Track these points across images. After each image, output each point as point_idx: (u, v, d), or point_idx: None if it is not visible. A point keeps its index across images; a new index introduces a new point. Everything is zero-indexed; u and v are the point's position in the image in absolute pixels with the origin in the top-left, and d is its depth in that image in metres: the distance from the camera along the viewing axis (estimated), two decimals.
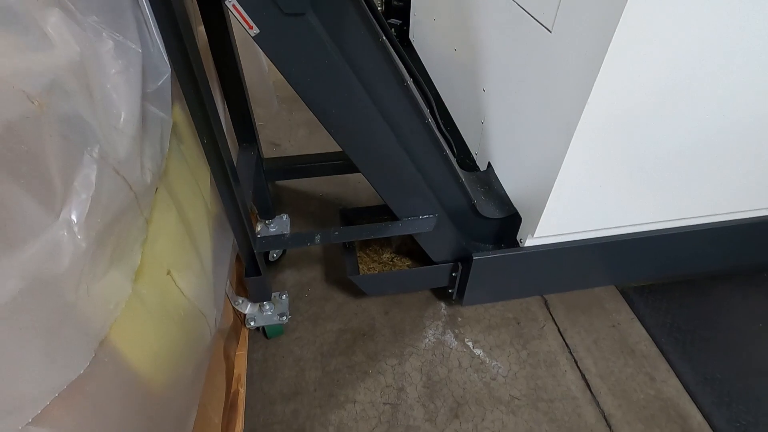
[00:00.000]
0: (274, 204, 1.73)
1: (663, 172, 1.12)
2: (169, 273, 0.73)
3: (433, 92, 1.93)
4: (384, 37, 0.89)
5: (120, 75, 0.58)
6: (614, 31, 0.81)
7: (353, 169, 1.40)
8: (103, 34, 0.59)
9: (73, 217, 0.48)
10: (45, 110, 0.44)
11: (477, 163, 1.63)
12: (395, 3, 2.59)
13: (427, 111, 1.06)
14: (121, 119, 0.56)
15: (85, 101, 0.50)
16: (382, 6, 2.70)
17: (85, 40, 0.55)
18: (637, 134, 1.01)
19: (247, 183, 1.22)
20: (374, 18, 0.88)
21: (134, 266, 0.62)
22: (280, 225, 1.65)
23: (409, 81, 0.99)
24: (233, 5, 0.77)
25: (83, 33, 0.55)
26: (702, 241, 1.36)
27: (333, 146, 1.13)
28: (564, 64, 0.98)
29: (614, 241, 1.29)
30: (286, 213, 1.73)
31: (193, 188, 0.90)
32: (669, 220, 1.28)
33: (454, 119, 1.87)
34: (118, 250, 0.57)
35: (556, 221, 1.20)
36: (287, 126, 2.42)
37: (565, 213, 1.17)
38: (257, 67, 1.43)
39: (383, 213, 1.55)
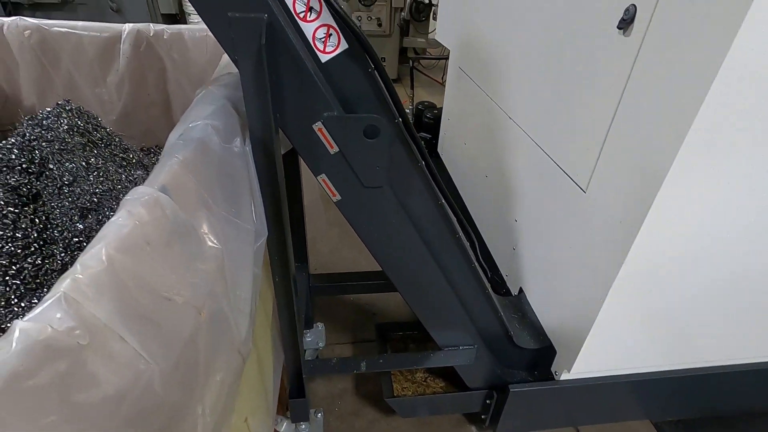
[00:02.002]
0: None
1: (702, 317, 1.18)
2: (246, 420, 0.79)
3: (459, 203, 2.08)
4: (443, 200, 1.03)
5: (242, 258, 0.70)
6: (653, 201, 0.91)
7: (394, 289, 1.49)
8: (230, 222, 0.72)
9: (206, 401, 0.55)
10: (204, 317, 0.54)
11: (507, 283, 1.71)
12: (426, 119, 2.87)
13: (472, 253, 1.17)
14: (241, 299, 0.67)
15: (224, 294, 0.61)
16: (412, 119, 2.98)
17: (222, 233, 0.67)
18: (677, 283, 1.09)
19: (301, 307, 1.31)
20: (435, 182, 1.02)
21: (229, 424, 0.68)
22: (316, 335, 1.70)
23: (460, 231, 1.11)
24: (322, 179, 0.92)
25: (220, 226, 0.67)
26: (740, 383, 1.38)
27: (360, 249, 1.23)
28: (599, 224, 1.10)
29: (651, 379, 1.31)
30: (321, 321, 1.79)
31: (264, 325, 0.99)
32: (707, 362, 1.32)
33: (483, 236, 1.99)
34: (224, 414, 0.64)
35: (592, 360, 1.24)
36: (322, 223, 2.56)
37: (602, 352, 1.22)
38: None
39: (418, 328, 1.61)
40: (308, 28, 0.79)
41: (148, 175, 1.09)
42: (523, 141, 1.52)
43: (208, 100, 0.83)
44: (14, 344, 0.34)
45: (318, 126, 0.84)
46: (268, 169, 0.82)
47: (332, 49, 0.81)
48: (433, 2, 4.36)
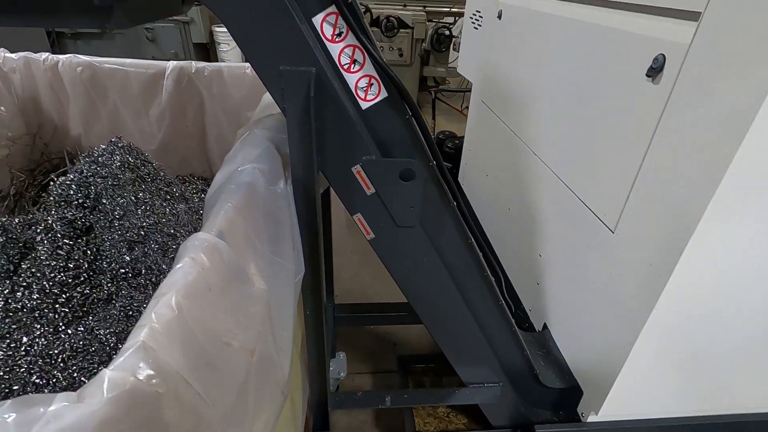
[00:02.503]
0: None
1: (738, 362, 1.16)
2: None
3: (480, 233, 2.09)
4: (472, 239, 1.05)
5: (284, 297, 0.73)
6: (685, 245, 0.91)
7: (416, 321, 1.50)
8: (274, 260, 0.75)
9: None
10: (255, 358, 0.57)
11: (531, 318, 1.70)
12: (447, 149, 2.91)
13: (498, 291, 1.18)
14: (284, 339, 0.69)
15: (270, 335, 0.63)
16: None
17: (268, 274, 0.70)
18: (711, 327, 1.07)
19: (328, 339, 1.33)
20: (465, 222, 1.05)
21: None
22: (337, 364, 1.70)
23: (487, 269, 1.12)
24: (358, 218, 0.95)
25: (266, 267, 0.71)
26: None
27: (380, 276, 1.24)
28: (628, 266, 1.10)
29: (684, 424, 1.28)
30: (342, 350, 1.79)
31: (294, 358, 1.00)
32: (744, 409, 1.28)
33: (505, 268, 1.99)
34: None
35: (622, 402, 1.22)
36: (345, 249, 2.60)
37: (632, 395, 1.20)
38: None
39: (440, 361, 1.60)
40: (351, 79, 0.83)
41: (188, 207, 1.15)
42: (547, 177, 1.53)
43: (254, 142, 0.87)
44: (105, 393, 0.37)
45: (356, 169, 0.88)
46: (308, 209, 0.86)
47: (373, 97, 0.85)
48: (453, 34, 4.48)
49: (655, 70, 1.01)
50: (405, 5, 4.47)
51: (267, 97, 1.20)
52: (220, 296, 0.55)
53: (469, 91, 3.76)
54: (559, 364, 1.43)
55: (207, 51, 4.87)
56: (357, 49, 0.81)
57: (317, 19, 0.78)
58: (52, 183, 0.92)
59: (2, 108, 1.48)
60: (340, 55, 0.81)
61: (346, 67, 0.82)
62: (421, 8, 4.50)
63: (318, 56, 0.79)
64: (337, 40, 0.80)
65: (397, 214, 0.94)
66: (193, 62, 1.54)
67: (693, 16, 0.89)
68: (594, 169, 1.26)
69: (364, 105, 0.86)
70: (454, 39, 4.49)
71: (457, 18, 4.69)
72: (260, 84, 1.54)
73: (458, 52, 4.70)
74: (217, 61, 4.50)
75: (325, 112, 0.83)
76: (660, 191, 0.99)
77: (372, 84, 0.85)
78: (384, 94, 0.86)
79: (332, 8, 0.77)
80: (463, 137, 3.10)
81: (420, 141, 0.90)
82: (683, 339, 1.09)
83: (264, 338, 0.60)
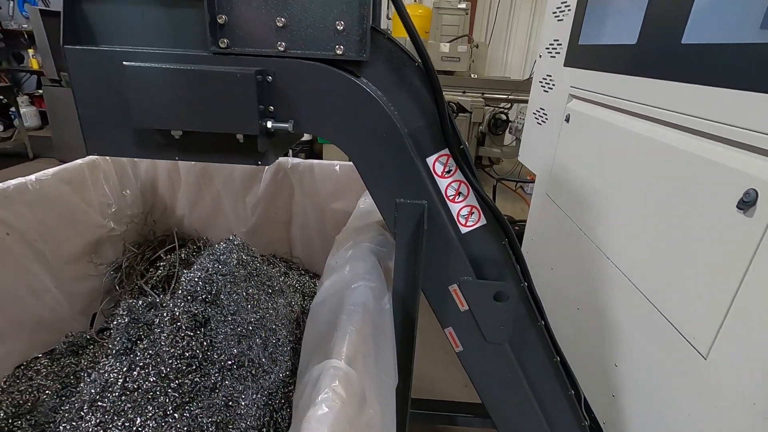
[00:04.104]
0: None
1: None
2: None
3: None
4: (558, 358, 1.06)
5: (389, 415, 0.77)
6: None
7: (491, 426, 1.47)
8: (381, 378, 0.80)
9: None
10: None
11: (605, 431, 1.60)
12: None
13: (580, 410, 1.15)
14: None
15: None
16: None
17: (378, 394, 0.75)
18: None
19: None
20: (551, 340, 1.06)
21: None
22: None
23: (571, 390, 1.11)
24: (449, 332, 1.00)
25: (376, 387, 0.76)
26: None
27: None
28: (724, 399, 1.04)
29: None
30: None
31: None
32: None
33: (572, 370, 1.91)
34: None
35: None
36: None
37: None
38: None
39: None
40: (455, 208, 0.93)
41: (286, 301, 1.25)
42: (623, 285, 1.52)
43: (361, 255, 0.97)
44: None
45: (453, 287, 0.95)
46: (407, 325, 0.92)
47: (472, 224, 0.94)
48: (510, 119, 4.68)
49: (747, 204, 1.03)
50: (464, 92, 4.77)
51: (362, 204, 1.32)
52: (353, 424, 0.60)
53: (531, 182, 3.85)
54: None
55: (311, 144, 5.04)
56: (462, 184, 0.91)
57: (431, 159, 0.89)
58: (183, 278, 1.05)
59: (128, 191, 1.72)
60: (447, 188, 0.91)
61: (451, 198, 0.92)
62: (480, 95, 4.78)
63: (429, 190, 0.89)
64: (446, 176, 0.90)
65: (488, 331, 0.98)
66: (290, 158, 1.73)
67: None
68: (680, 287, 1.24)
69: (464, 230, 0.94)
70: (510, 123, 4.68)
71: (513, 104, 4.93)
72: (346, 180, 1.71)
73: (513, 135, 4.88)
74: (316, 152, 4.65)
75: (430, 236, 0.91)
76: (763, 321, 0.96)
77: (473, 212, 0.93)
78: (483, 221, 0.94)
79: (445, 150, 0.89)
80: (521, 222, 3.13)
81: (513, 264, 0.96)
82: None
83: None
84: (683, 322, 1.22)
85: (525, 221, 3.20)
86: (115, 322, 1.18)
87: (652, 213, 1.39)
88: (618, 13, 1.84)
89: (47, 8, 5.74)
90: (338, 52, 0.78)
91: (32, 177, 1.35)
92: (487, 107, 4.74)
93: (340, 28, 0.77)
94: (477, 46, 5.11)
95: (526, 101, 4.73)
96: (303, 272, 1.79)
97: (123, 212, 1.71)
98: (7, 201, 1.26)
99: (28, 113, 5.91)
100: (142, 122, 0.79)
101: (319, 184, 1.73)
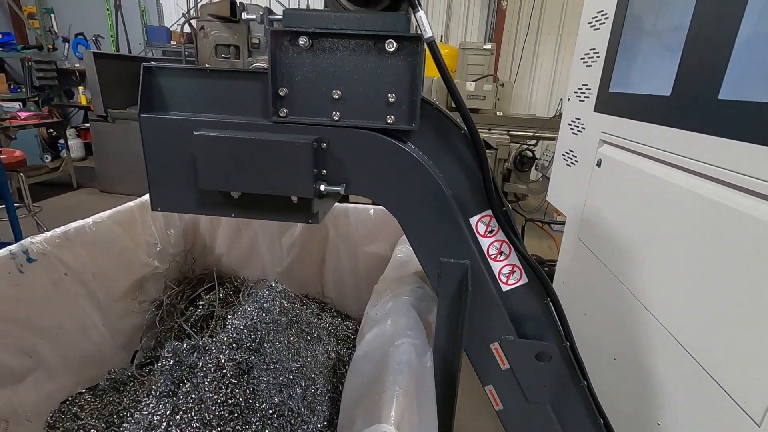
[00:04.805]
0: None
1: None
2: None
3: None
4: (601, 420, 1.03)
5: None
6: None
7: None
8: None
9: None
10: None
11: None
12: None
13: None
14: None
15: None
16: None
17: None
18: None
19: None
20: (593, 401, 1.04)
21: None
22: None
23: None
24: (489, 390, 1.00)
25: None
26: None
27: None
28: None
29: None
30: None
31: None
32: None
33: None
34: None
35: None
36: None
37: None
38: None
39: None
40: (496, 266, 0.94)
41: (324, 348, 1.26)
42: (665, 339, 1.47)
43: (402, 310, 0.99)
44: None
45: (495, 345, 0.95)
46: (448, 382, 0.93)
47: (514, 282, 0.95)
48: (536, 156, 4.70)
49: None
50: (490, 129, 4.84)
51: (399, 254, 1.35)
52: None
53: (560, 223, 3.81)
54: None
55: None
56: (504, 243, 0.93)
57: (474, 219, 0.92)
58: (228, 325, 1.09)
59: (172, 230, 1.80)
60: (489, 247, 0.94)
61: (493, 257, 0.94)
62: (505, 132, 4.83)
63: (472, 249, 0.91)
64: (488, 235, 0.93)
65: (529, 390, 0.97)
66: None
67: None
68: (730, 347, 1.20)
69: (505, 288, 0.96)
70: (536, 161, 4.70)
71: (539, 141, 4.96)
72: (379, 224, 1.75)
73: (540, 172, 4.88)
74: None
75: (472, 295, 0.93)
76: None
77: (514, 271, 0.95)
78: (525, 279, 0.95)
79: (488, 212, 0.91)
80: (549, 262, 3.08)
81: (556, 323, 0.96)
82: None
83: None
84: (733, 385, 1.17)
85: (553, 261, 3.15)
86: (159, 363, 1.22)
87: (695, 266, 1.36)
88: (649, 63, 1.87)
89: (99, 51, 6.21)
90: (389, 121, 0.83)
91: (90, 220, 1.44)
92: (512, 144, 4.78)
93: (391, 100, 0.82)
94: (502, 85, 5.21)
95: (551, 138, 4.76)
96: (335, 314, 1.82)
97: (166, 251, 1.78)
98: (69, 243, 1.35)
99: (74, 145, 6.30)
100: (207, 185, 0.85)
101: (354, 227, 1.77)
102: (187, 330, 1.58)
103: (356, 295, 1.84)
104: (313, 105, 0.85)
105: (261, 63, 4.26)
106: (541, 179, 4.80)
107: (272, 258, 1.86)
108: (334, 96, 0.83)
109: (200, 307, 1.63)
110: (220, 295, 1.66)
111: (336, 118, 0.84)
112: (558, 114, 5.71)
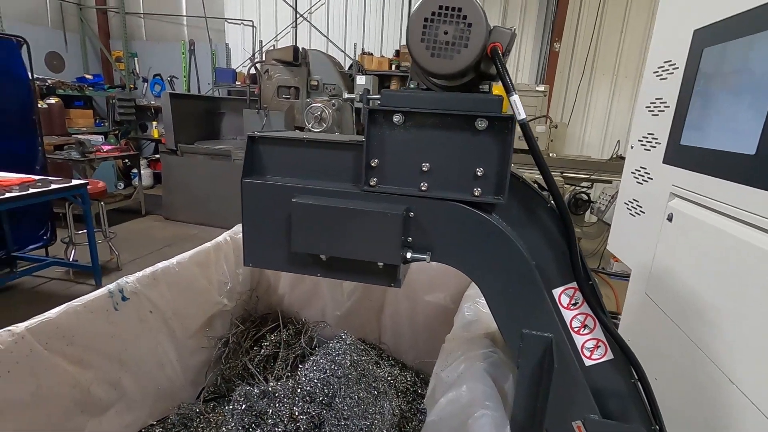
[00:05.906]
0: None
1: None
2: None
3: None
4: None
5: None
6: None
7: None
8: None
9: None
10: None
11: None
12: None
13: None
14: None
15: None
16: None
17: None
18: None
19: None
20: None
21: None
22: None
23: None
24: None
25: None
26: None
27: None
28: None
29: None
30: None
31: None
32: None
33: None
34: None
35: None
36: None
37: None
38: None
39: None
40: (579, 340, 0.92)
41: (390, 405, 1.26)
42: (753, 416, 1.34)
43: (477, 377, 0.98)
44: None
45: (577, 424, 0.91)
46: None
47: (598, 357, 0.92)
48: (591, 199, 4.55)
49: None
50: None
51: (467, 312, 1.34)
52: None
53: (620, 275, 3.66)
54: None
55: None
56: (588, 317, 0.91)
57: (557, 291, 0.91)
58: (300, 375, 1.12)
59: (240, 269, 1.90)
60: (572, 319, 0.92)
61: (576, 329, 0.92)
62: (559, 174, 4.74)
63: (556, 322, 0.90)
64: (572, 308, 0.91)
65: None
66: None
67: None
68: None
69: (588, 362, 0.93)
70: (592, 204, 4.55)
71: (594, 183, 4.81)
72: (440, 275, 1.75)
73: (595, 215, 4.70)
74: None
75: (554, 370, 0.90)
76: None
77: (599, 346, 0.92)
78: (610, 356, 0.92)
79: (573, 284, 0.90)
80: (610, 315, 2.90)
81: (644, 404, 0.91)
82: None
83: None
84: None
85: (614, 313, 2.98)
86: (230, 407, 1.27)
87: None
88: (729, 119, 1.80)
89: (173, 91, 6.83)
90: (476, 194, 0.86)
91: (174, 261, 1.56)
92: (566, 186, 4.67)
93: (479, 173, 0.85)
94: (556, 126, 5.16)
95: (608, 182, 4.60)
96: (393, 362, 1.81)
97: (235, 289, 1.87)
98: (155, 282, 1.46)
99: (144, 174, 6.84)
100: (300, 247, 0.90)
101: (414, 275, 1.79)
102: (251, 369, 1.63)
103: (413, 344, 1.83)
104: (403, 176, 0.89)
105: (318, 104, 4.50)
106: (597, 223, 4.63)
107: (333, 301, 1.91)
108: (423, 168, 0.87)
109: (264, 347, 1.68)
110: (283, 336, 1.71)
111: (424, 189, 0.88)
112: (615, 156, 5.53)
